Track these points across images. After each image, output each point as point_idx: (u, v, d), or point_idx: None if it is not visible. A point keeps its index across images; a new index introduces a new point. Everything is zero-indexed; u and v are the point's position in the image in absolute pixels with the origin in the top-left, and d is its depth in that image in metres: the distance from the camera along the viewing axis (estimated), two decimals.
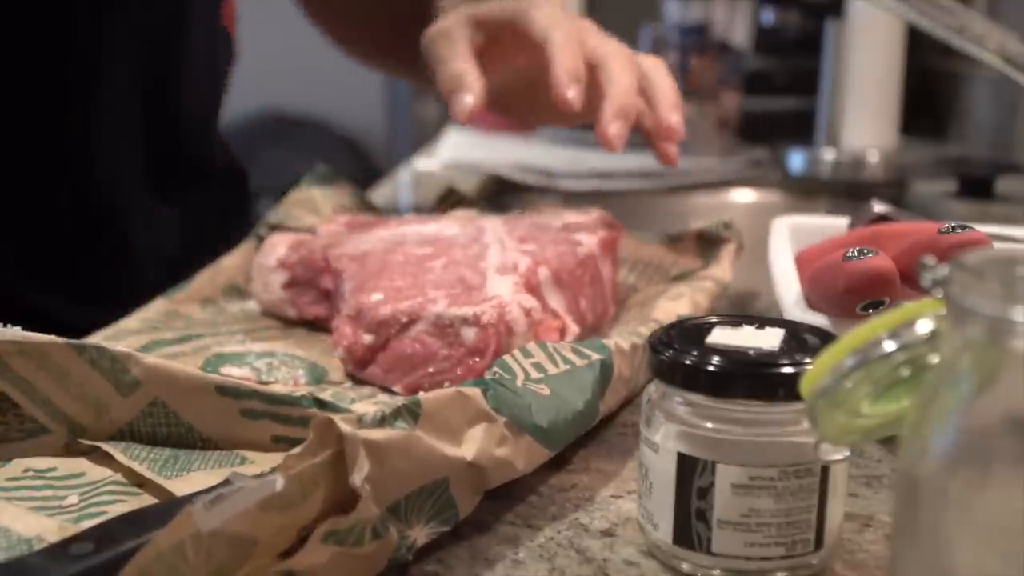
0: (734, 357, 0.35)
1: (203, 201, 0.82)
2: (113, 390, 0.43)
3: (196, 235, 0.80)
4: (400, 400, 0.37)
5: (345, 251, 0.61)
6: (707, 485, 0.35)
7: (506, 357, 0.45)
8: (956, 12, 0.60)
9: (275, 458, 0.40)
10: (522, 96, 0.73)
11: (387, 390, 0.53)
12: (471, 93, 0.63)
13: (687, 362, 0.36)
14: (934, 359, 0.30)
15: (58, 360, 0.42)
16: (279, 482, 0.31)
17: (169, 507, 0.35)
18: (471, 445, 0.38)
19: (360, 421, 0.34)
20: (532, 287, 0.55)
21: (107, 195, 0.73)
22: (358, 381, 0.54)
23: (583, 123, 0.74)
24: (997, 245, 0.51)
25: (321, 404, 0.42)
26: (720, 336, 0.37)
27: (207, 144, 0.84)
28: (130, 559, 0.29)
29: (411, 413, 0.36)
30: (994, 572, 0.27)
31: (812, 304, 0.52)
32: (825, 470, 0.35)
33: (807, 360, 0.34)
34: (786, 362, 0.35)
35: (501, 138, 1.49)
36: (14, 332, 0.42)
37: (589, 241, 0.62)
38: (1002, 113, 1.24)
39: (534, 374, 0.44)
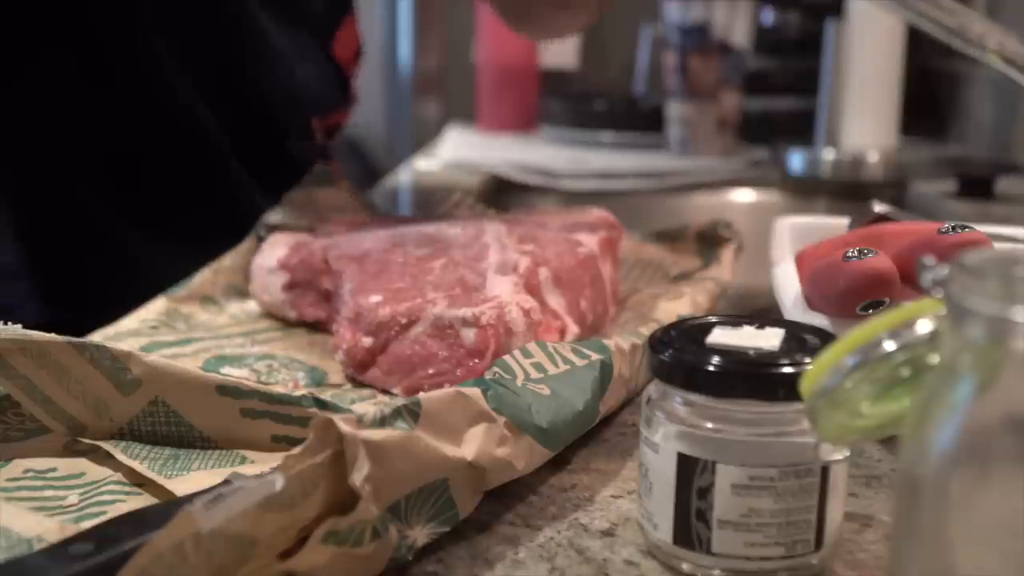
0: (734, 357, 0.35)
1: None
2: (113, 389, 0.43)
3: None
4: (400, 400, 0.37)
5: (344, 252, 0.61)
6: (707, 485, 0.35)
7: (506, 357, 0.45)
8: (956, 12, 0.60)
9: (275, 458, 0.40)
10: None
11: (387, 392, 0.53)
12: None
13: (687, 362, 0.36)
14: (934, 359, 0.30)
15: (58, 358, 0.42)
16: (279, 482, 0.31)
17: (169, 507, 0.35)
18: (471, 445, 0.38)
19: (360, 421, 0.34)
20: (532, 287, 0.55)
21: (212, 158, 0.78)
22: (358, 383, 0.54)
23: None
24: (997, 245, 0.51)
25: (321, 404, 0.42)
26: (720, 336, 0.37)
27: (296, 155, 0.85)
28: (130, 559, 0.29)
29: (411, 413, 0.36)
30: (994, 572, 0.27)
31: (812, 304, 0.52)
32: (825, 470, 0.35)
33: (807, 360, 0.34)
34: (786, 362, 0.35)
35: (501, 138, 1.49)
36: (14, 330, 0.42)
37: (589, 241, 0.61)
38: (1002, 113, 1.24)
39: (534, 374, 0.44)
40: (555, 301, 0.56)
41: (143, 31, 0.74)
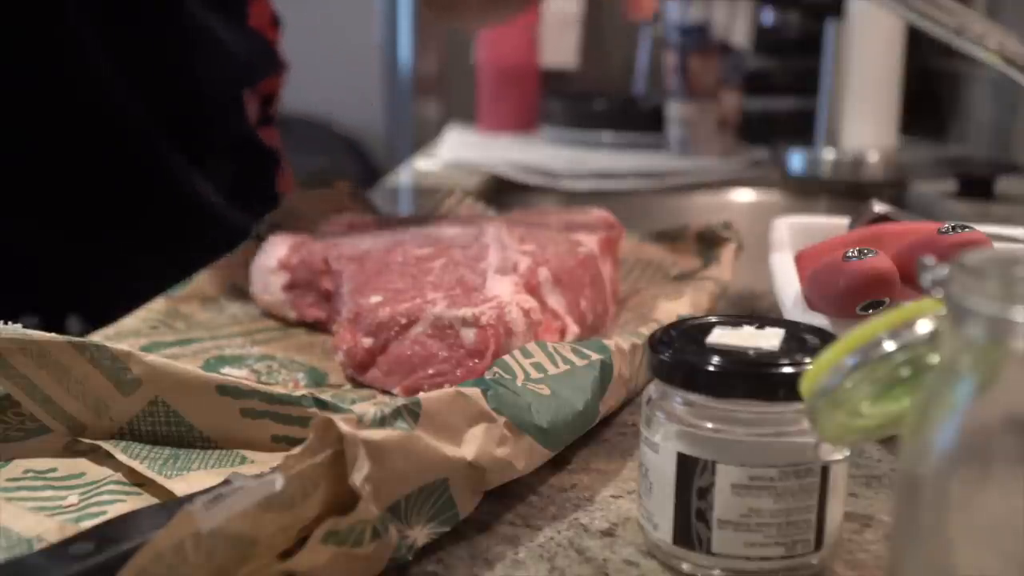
0: (734, 357, 0.35)
1: (233, 174, 0.85)
2: (114, 389, 0.43)
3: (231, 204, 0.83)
4: (400, 400, 0.37)
5: (344, 252, 0.61)
6: (707, 485, 0.35)
7: (506, 357, 0.45)
8: (956, 12, 0.60)
9: (275, 458, 0.40)
10: None
11: (387, 393, 0.53)
12: None
13: (687, 362, 0.36)
14: (934, 359, 0.30)
15: (58, 358, 0.42)
16: (279, 482, 0.31)
17: (169, 507, 0.35)
18: (471, 445, 0.38)
19: (360, 421, 0.34)
20: (532, 287, 0.55)
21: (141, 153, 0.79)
22: (358, 384, 0.54)
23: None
24: (997, 245, 0.51)
25: (321, 404, 0.42)
26: (720, 336, 0.37)
27: (230, 130, 0.85)
28: (130, 559, 0.29)
29: (411, 413, 0.36)
30: (994, 572, 0.27)
31: (812, 304, 0.52)
32: (825, 470, 0.35)
33: (807, 360, 0.34)
34: (786, 362, 0.35)
35: (501, 138, 1.49)
36: (14, 330, 0.42)
37: (589, 241, 0.61)
38: (1002, 113, 1.24)
39: (534, 374, 0.44)
40: (555, 301, 0.56)
41: (68, 17, 0.74)
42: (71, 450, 0.43)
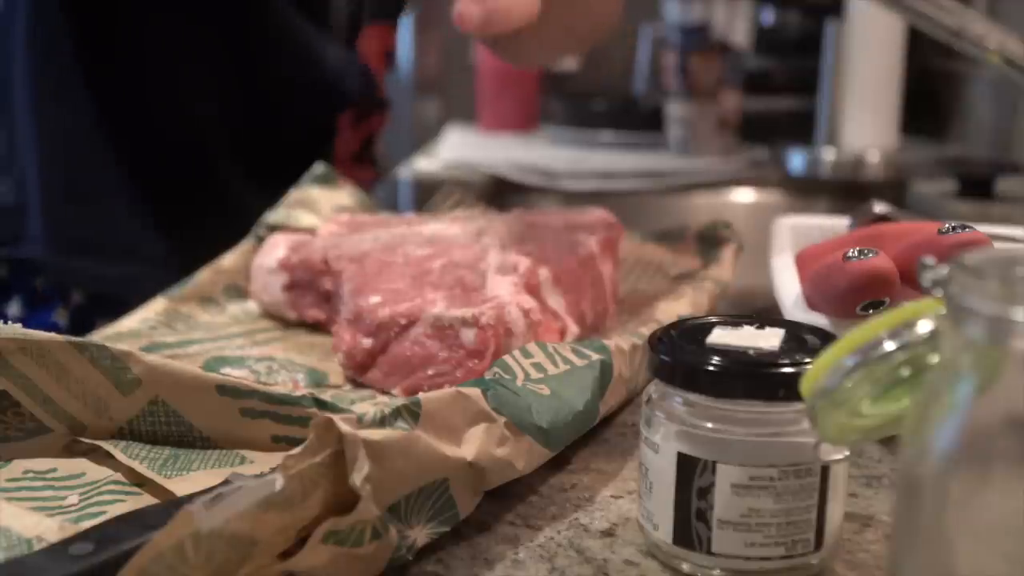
0: (734, 357, 0.35)
1: None
2: (113, 388, 0.43)
3: None
4: (400, 400, 0.37)
5: (344, 252, 0.61)
6: (707, 485, 0.35)
7: (506, 357, 0.45)
8: (956, 12, 0.60)
9: (275, 458, 0.40)
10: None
11: (387, 393, 0.53)
12: None
13: (687, 362, 0.36)
14: (934, 359, 0.30)
15: (58, 358, 0.42)
16: (279, 482, 0.31)
17: (169, 507, 0.35)
18: (471, 445, 0.38)
19: (360, 421, 0.34)
20: (532, 288, 0.55)
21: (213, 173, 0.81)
22: (358, 384, 0.54)
23: None
24: (997, 245, 0.51)
25: (321, 404, 0.42)
26: (720, 336, 0.37)
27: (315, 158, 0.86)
28: (130, 559, 0.29)
29: (411, 413, 0.36)
30: (994, 572, 0.27)
31: (812, 304, 0.52)
32: (825, 470, 0.35)
33: (807, 360, 0.34)
34: (786, 362, 0.35)
35: (501, 138, 1.49)
36: (14, 329, 0.42)
37: (589, 241, 0.61)
38: (1002, 113, 1.24)
39: (534, 374, 0.44)
40: (555, 301, 0.56)
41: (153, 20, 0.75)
42: (71, 450, 0.43)
